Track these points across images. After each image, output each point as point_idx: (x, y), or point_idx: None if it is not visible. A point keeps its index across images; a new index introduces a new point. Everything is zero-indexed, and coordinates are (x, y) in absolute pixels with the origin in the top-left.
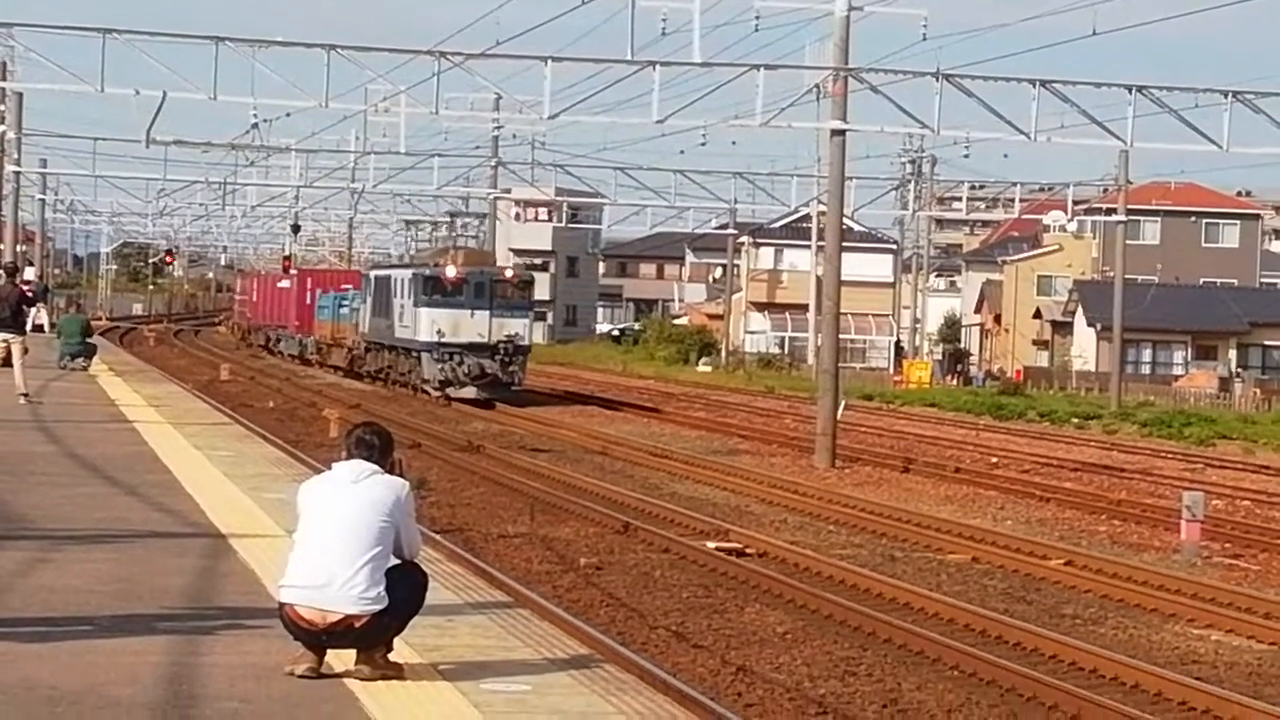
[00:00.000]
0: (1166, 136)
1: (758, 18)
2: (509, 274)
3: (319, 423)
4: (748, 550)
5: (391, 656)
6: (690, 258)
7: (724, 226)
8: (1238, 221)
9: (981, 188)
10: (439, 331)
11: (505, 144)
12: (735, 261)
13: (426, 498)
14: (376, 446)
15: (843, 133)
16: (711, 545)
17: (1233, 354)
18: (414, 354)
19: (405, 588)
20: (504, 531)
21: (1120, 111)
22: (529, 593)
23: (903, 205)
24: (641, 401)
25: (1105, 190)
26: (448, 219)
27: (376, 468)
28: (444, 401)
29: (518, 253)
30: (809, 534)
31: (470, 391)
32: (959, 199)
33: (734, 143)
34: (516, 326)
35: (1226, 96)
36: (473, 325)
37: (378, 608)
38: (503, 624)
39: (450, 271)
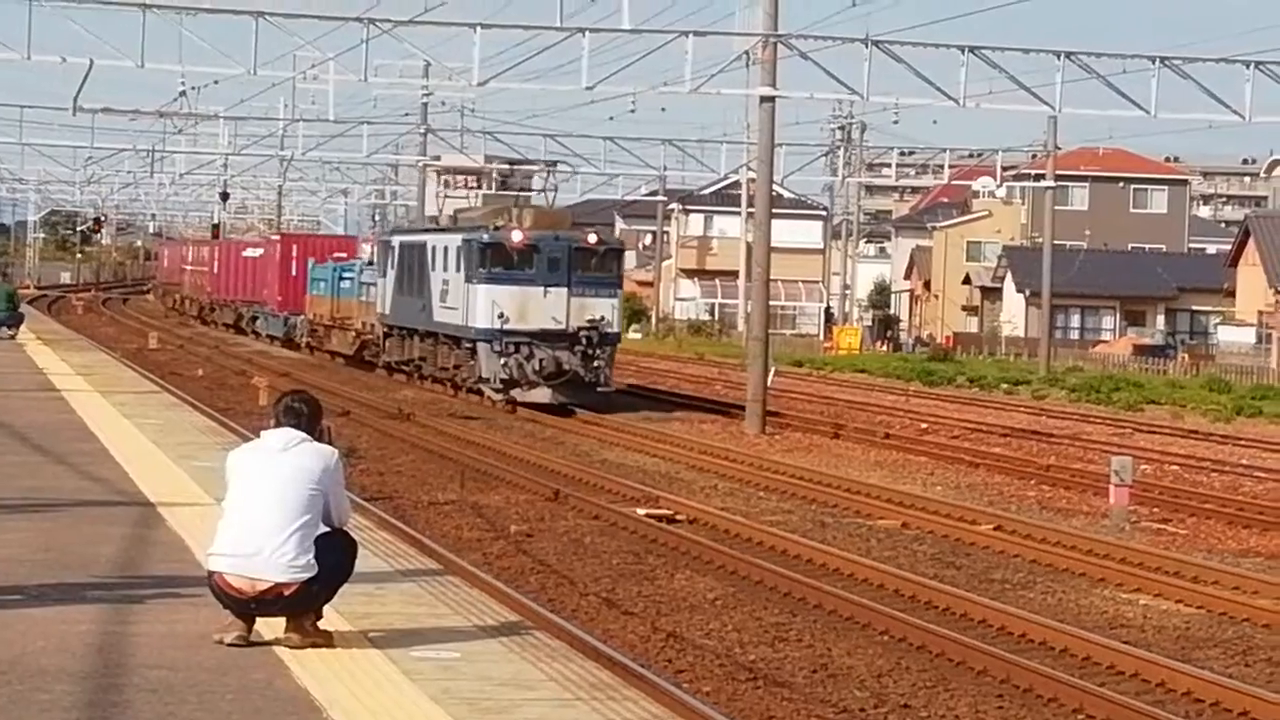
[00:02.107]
0: (1095, 102)
1: None
2: (592, 239)
3: (248, 390)
4: (678, 517)
5: (321, 624)
6: (620, 224)
7: (654, 193)
8: (1166, 187)
9: (911, 154)
10: (501, 316)
11: (434, 111)
12: (665, 228)
13: (356, 465)
14: (305, 414)
15: (772, 99)
16: (642, 512)
17: (1160, 319)
18: (465, 344)
19: (334, 555)
20: (434, 499)
21: (1049, 77)
22: (459, 560)
23: (832, 171)
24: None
25: (1034, 156)
26: (507, 169)
27: (306, 435)
28: (508, 408)
29: None
30: (739, 500)
31: (543, 394)
32: (888, 165)
33: (664, 109)
34: (602, 309)
35: (1154, 62)
36: (546, 307)
37: (307, 576)
38: (433, 591)
39: (516, 236)
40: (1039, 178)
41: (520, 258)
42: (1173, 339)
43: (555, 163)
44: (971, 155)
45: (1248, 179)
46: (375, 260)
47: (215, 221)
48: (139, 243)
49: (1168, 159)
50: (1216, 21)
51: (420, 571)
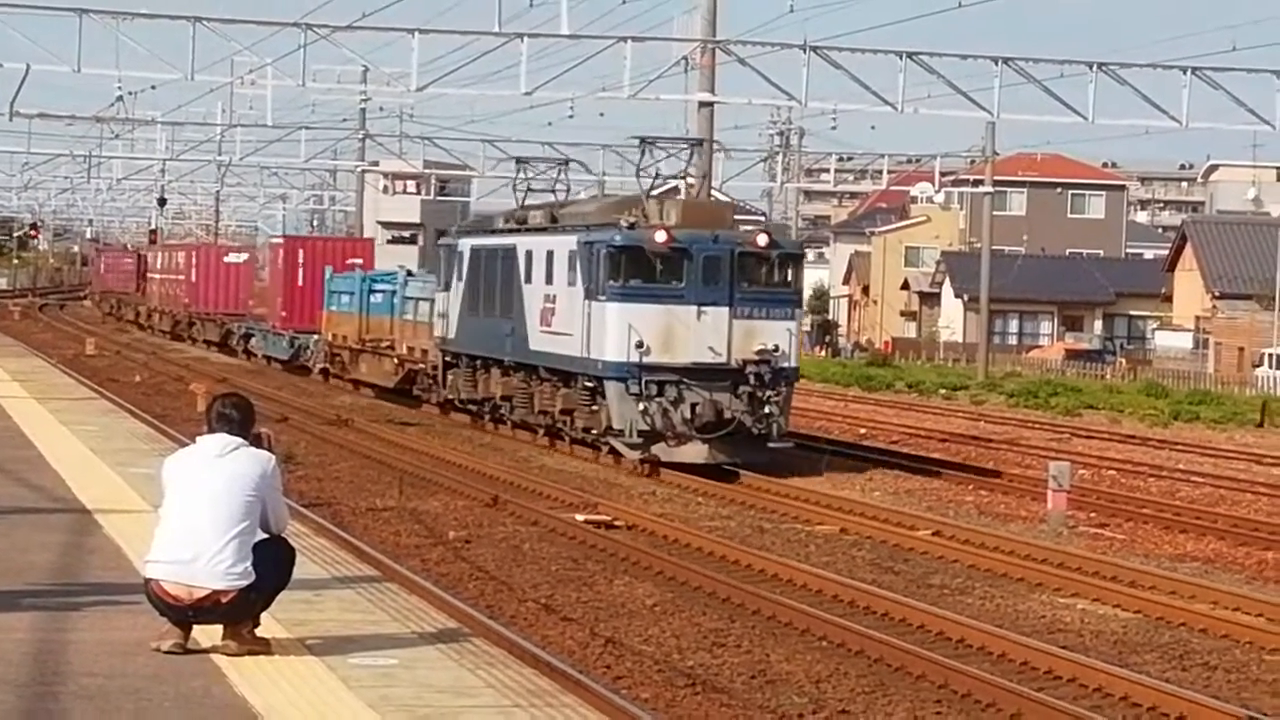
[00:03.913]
0: (1033, 108)
1: None
2: (762, 241)
3: (186, 396)
4: (617, 522)
5: (258, 631)
6: None
7: (592, 199)
8: (1103, 192)
9: (849, 159)
10: (640, 345)
11: (373, 116)
12: None
13: (294, 471)
14: (236, 419)
15: (711, 105)
16: (580, 518)
17: (1098, 324)
18: (583, 383)
19: (272, 562)
20: (372, 505)
21: (986, 83)
22: (397, 566)
23: (771, 177)
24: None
25: (972, 162)
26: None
27: (242, 440)
28: (643, 468)
29: (386, 225)
30: (677, 506)
31: (697, 452)
32: (827, 171)
33: (602, 114)
34: (775, 335)
35: (1091, 68)
36: (700, 333)
37: (244, 583)
38: (370, 598)
39: (660, 237)
40: (977, 183)
41: (665, 266)
42: (1110, 344)
43: (700, 141)
44: (910, 161)
45: (1185, 184)
46: (438, 268)
47: (153, 226)
48: (76, 248)
49: (1105, 164)
50: (1153, 27)
51: (358, 578)
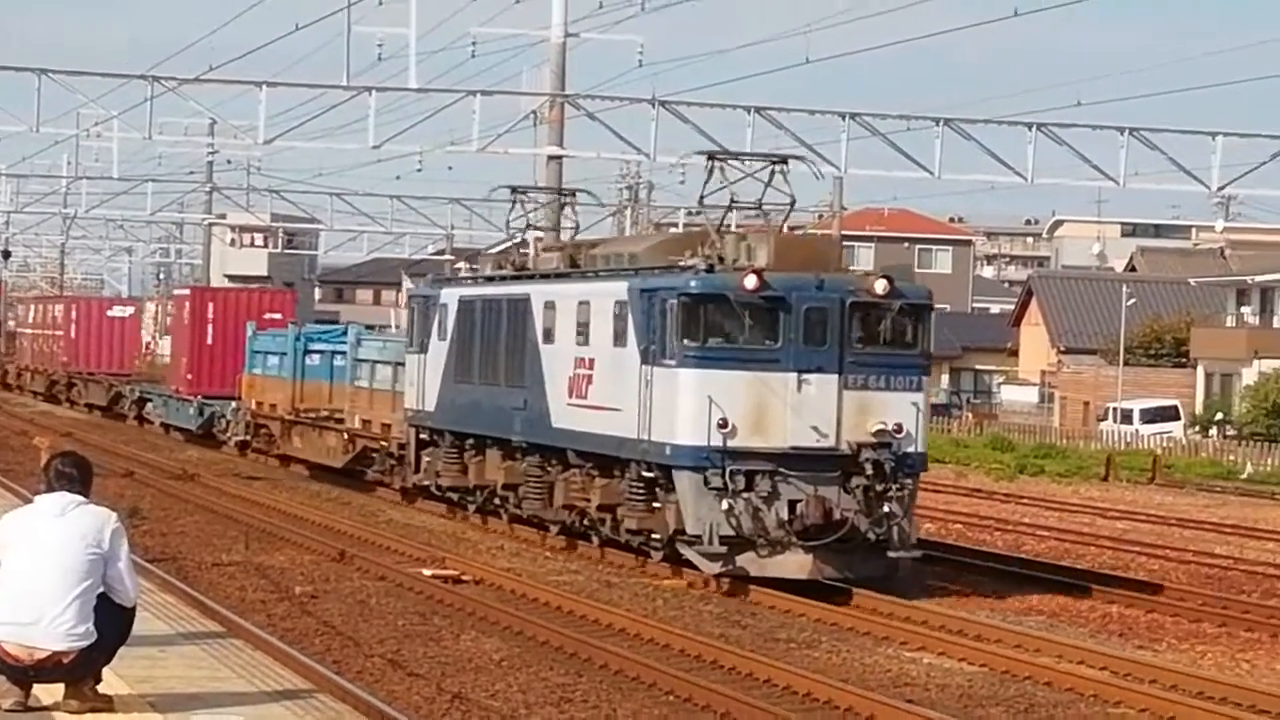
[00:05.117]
0: (879, 163)
1: (474, 44)
2: (879, 288)
3: (29, 451)
4: (464, 577)
5: (101, 688)
6: (407, 283)
7: (441, 252)
8: (950, 247)
9: (698, 214)
10: (723, 423)
11: (220, 169)
12: None
13: (139, 526)
14: (76, 478)
15: (560, 158)
16: (428, 573)
17: (945, 378)
18: (638, 473)
19: (112, 619)
20: (218, 560)
21: (833, 137)
22: (242, 622)
23: (621, 231)
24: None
25: (820, 216)
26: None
27: (82, 498)
28: (718, 587)
29: (233, 278)
30: (525, 561)
31: (798, 564)
32: (676, 225)
33: (450, 168)
34: (898, 410)
35: (938, 123)
36: (800, 409)
37: (86, 643)
38: (215, 654)
39: (749, 282)
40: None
41: (755, 320)
42: (957, 397)
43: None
44: (758, 215)
45: (1031, 239)
46: (409, 324)
47: None
48: None
49: (952, 219)
50: (998, 82)
51: (203, 634)
